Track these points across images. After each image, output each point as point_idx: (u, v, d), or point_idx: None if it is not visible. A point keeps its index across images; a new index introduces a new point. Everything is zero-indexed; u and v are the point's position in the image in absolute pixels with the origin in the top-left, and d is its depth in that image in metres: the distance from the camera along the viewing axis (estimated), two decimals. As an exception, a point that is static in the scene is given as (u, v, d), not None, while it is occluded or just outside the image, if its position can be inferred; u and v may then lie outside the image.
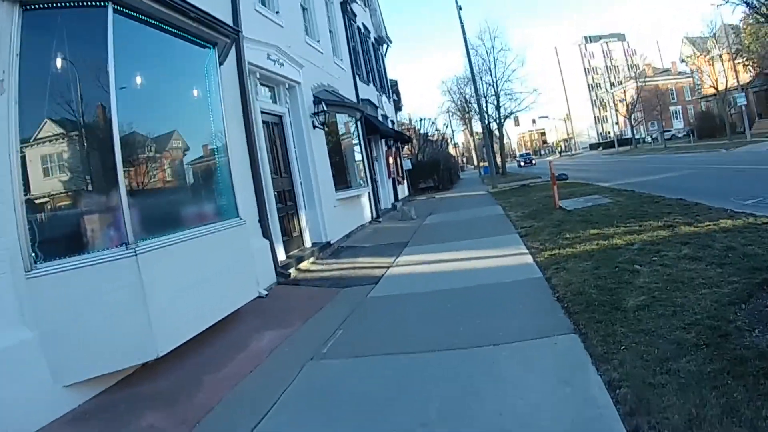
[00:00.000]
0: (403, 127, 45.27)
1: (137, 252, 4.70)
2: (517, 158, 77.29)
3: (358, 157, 14.70)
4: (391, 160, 20.61)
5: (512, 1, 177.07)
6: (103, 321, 4.52)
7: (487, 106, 39.67)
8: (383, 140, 20.10)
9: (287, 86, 11.00)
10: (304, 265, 9.72)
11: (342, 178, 13.09)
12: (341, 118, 13.56)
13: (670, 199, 11.30)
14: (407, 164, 29.86)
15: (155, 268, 4.86)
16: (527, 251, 8.15)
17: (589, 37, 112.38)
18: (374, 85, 20.74)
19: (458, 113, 54.11)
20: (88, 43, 4.99)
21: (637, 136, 68.80)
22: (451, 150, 78.13)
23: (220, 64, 7.47)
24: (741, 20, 44.76)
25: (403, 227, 13.99)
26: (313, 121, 11.51)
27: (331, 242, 11.33)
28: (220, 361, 5.23)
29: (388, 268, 8.72)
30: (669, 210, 9.66)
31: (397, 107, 39.77)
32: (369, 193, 15.50)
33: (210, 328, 5.64)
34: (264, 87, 10.34)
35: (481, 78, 39.42)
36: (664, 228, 7.97)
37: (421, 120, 46.42)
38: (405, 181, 26.41)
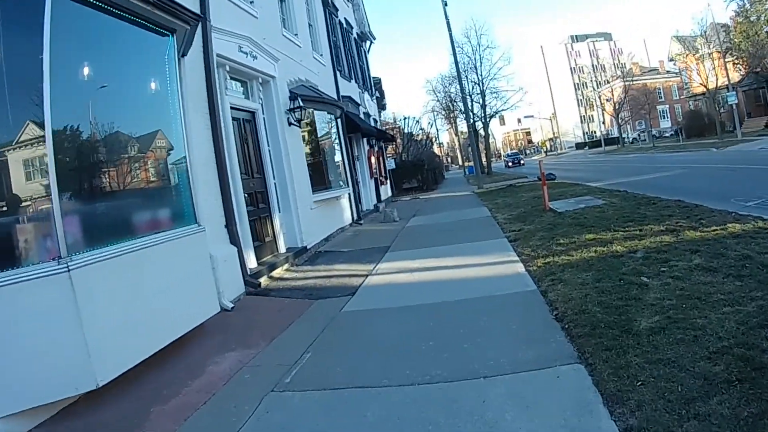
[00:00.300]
0: (387, 127, 44.56)
1: (70, 267, 4.04)
2: (504, 158, 72.02)
3: (337, 156, 13.96)
4: (373, 159, 19.86)
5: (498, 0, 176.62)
6: (33, 347, 3.92)
7: (472, 105, 39.12)
8: (365, 139, 19.37)
9: (261, 81, 10.23)
10: (277, 272, 9.01)
11: (320, 178, 12.36)
12: (320, 116, 12.81)
13: (667, 200, 10.71)
14: (391, 164, 29.16)
15: (93, 284, 4.21)
16: (518, 259, 7.48)
17: (576, 36, 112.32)
18: (356, 82, 20.02)
19: (443, 111, 53.39)
20: (21, 27, 4.28)
21: (624, 135, 68.50)
22: (436, 149, 77.68)
23: (183, 54, 6.77)
24: (731, 18, 44.68)
25: (384, 230, 13.29)
26: (288, 118, 10.77)
27: (308, 247, 10.61)
28: (173, 388, 4.54)
29: (366, 276, 8.01)
30: (669, 213, 9.05)
31: (381, 106, 39.07)
32: (349, 194, 14.79)
33: (165, 349, 5.00)
34: (235, 81, 9.58)
35: (466, 76, 38.88)
36: (667, 233, 7.33)
37: (405, 118, 45.63)
38: (388, 182, 25.67)
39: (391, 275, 7.85)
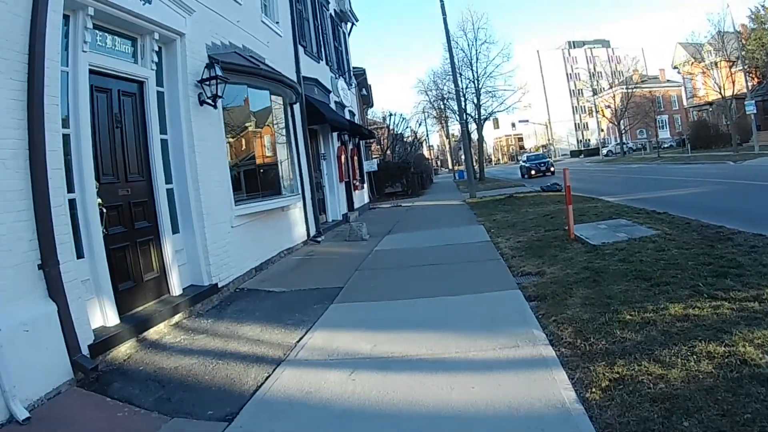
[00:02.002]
0: (373, 126, 41.06)
1: None
2: (523, 162, 43.56)
3: (285, 153, 10.39)
4: (344, 159, 16.18)
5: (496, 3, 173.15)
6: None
7: (465, 105, 35.67)
8: (335, 134, 15.78)
9: (159, 38, 6.70)
10: (156, 331, 5.74)
11: (253, 183, 8.84)
12: (258, 96, 9.22)
13: (744, 233, 7.40)
14: (372, 166, 25.59)
15: None
16: (553, 355, 4.01)
17: (573, 42, 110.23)
18: (329, 65, 16.44)
19: (434, 109, 49.81)
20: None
21: (620, 144, 65.34)
22: (426, 152, 74.34)
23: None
24: (741, 25, 41.77)
25: (345, 255, 9.83)
26: (200, 95, 7.29)
27: (221, 285, 7.18)
28: None
29: (278, 364, 4.52)
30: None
31: (366, 102, 35.56)
32: (305, 203, 11.30)
33: None
34: (109, 34, 6.04)
35: (460, 73, 35.35)
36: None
37: (391, 115, 41.74)
38: (365, 186, 22.02)
39: (320, 373, 4.27)
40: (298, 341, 5.04)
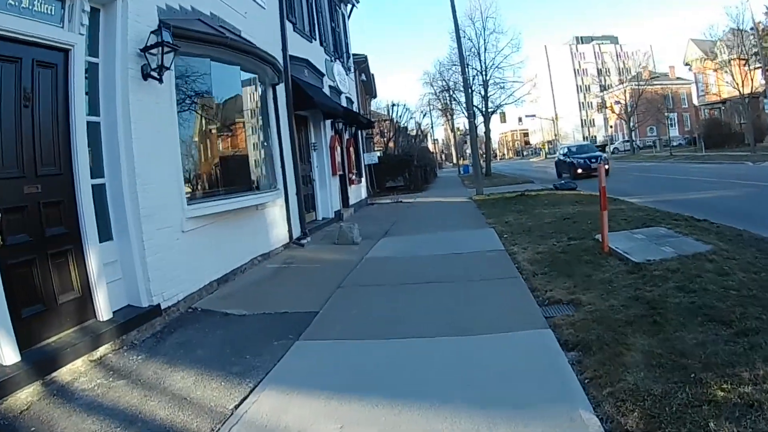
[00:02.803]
0: (377, 119, 39.42)
1: None
2: (563, 154, 30.81)
3: (262, 140, 8.85)
4: (338, 149, 14.52)
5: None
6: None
7: (472, 96, 34.05)
8: (329, 121, 14.20)
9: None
10: (68, 371, 4.35)
11: (219, 175, 7.31)
12: (227, 74, 7.65)
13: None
14: (373, 158, 24.03)
15: None
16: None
17: (581, 37, 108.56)
18: (323, 46, 14.84)
19: (439, 101, 48.09)
20: None
21: (628, 141, 63.56)
22: (430, 146, 72.67)
23: None
24: (757, 23, 40.06)
25: (330, 263, 8.33)
26: (144, 67, 5.77)
27: (167, 305, 5.73)
28: None
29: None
30: None
31: (369, 92, 33.96)
32: (290, 199, 9.81)
33: None
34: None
35: (468, 64, 33.72)
36: None
37: (394, 105, 39.86)
38: (363, 180, 20.41)
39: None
40: (236, 406, 3.54)
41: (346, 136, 16.42)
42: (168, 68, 5.90)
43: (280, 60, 9.98)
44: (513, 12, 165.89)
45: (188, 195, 6.49)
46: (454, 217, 13.80)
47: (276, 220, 9.26)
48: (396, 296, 6.13)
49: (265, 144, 8.99)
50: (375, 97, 37.74)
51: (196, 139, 6.99)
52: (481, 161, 33.60)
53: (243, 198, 7.50)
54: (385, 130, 38.44)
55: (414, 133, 45.39)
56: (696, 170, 24.75)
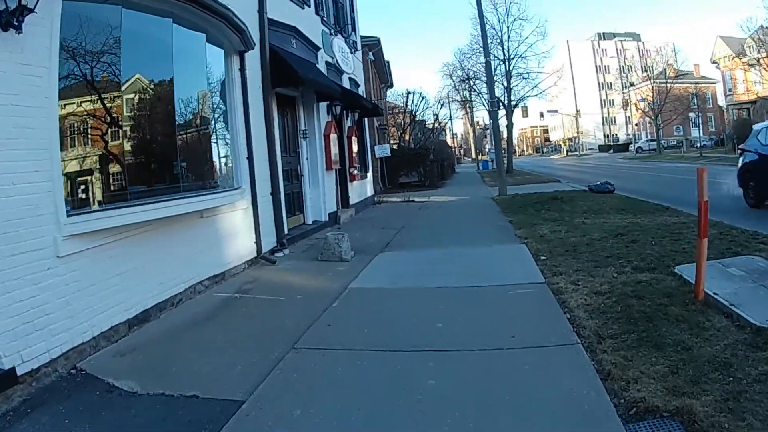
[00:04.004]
0: (394, 111, 36.93)
1: None
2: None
3: (213, 123, 6.57)
4: (333, 139, 11.96)
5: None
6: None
7: (494, 88, 31.60)
8: (324, 104, 11.82)
9: None
10: None
11: (121, 173, 4.95)
12: (156, 29, 5.26)
13: None
14: (385, 150, 21.66)
15: None
16: None
17: (603, 34, 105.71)
18: (320, 15, 12.37)
19: (458, 93, 45.44)
20: None
21: (653, 140, 60.70)
22: (449, 140, 70.07)
23: None
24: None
25: (301, 292, 6.03)
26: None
27: (31, 367, 3.58)
28: None
29: None
30: None
31: (385, 81, 31.48)
32: (259, 200, 7.57)
33: None
34: None
35: (490, 53, 31.18)
36: None
37: (409, 93, 37.08)
38: (369, 174, 17.86)
39: None
40: None
41: (347, 123, 13.99)
42: (32, 10, 3.65)
43: (254, 21, 7.74)
44: (533, 7, 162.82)
45: (71, 201, 4.24)
46: (472, 224, 11.44)
47: (236, 229, 6.99)
48: (376, 379, 3.72)
49: (222, 128, 6.73)
50: (391, 86, 35.19)
51: (94, 119, 4.67)
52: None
53: (171, 203, 5.18)
54: (401, 122, 35.96)
55: (432, 125, 42.74)
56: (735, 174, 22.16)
